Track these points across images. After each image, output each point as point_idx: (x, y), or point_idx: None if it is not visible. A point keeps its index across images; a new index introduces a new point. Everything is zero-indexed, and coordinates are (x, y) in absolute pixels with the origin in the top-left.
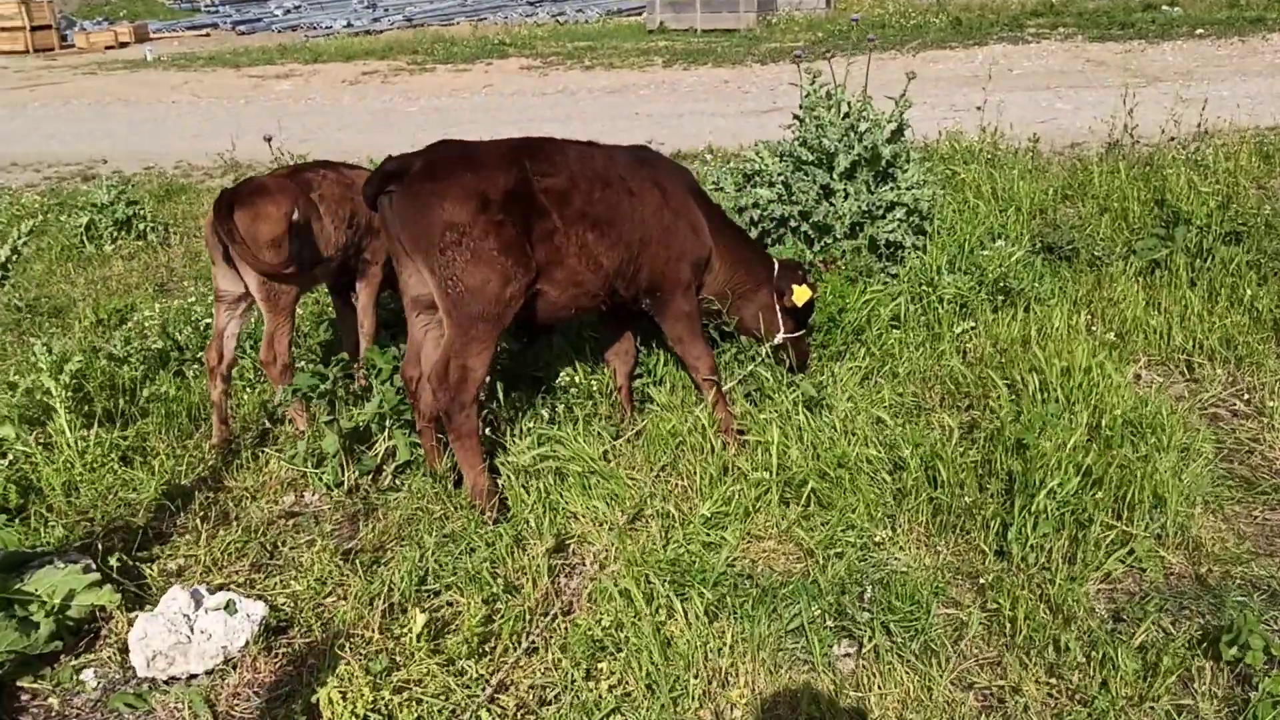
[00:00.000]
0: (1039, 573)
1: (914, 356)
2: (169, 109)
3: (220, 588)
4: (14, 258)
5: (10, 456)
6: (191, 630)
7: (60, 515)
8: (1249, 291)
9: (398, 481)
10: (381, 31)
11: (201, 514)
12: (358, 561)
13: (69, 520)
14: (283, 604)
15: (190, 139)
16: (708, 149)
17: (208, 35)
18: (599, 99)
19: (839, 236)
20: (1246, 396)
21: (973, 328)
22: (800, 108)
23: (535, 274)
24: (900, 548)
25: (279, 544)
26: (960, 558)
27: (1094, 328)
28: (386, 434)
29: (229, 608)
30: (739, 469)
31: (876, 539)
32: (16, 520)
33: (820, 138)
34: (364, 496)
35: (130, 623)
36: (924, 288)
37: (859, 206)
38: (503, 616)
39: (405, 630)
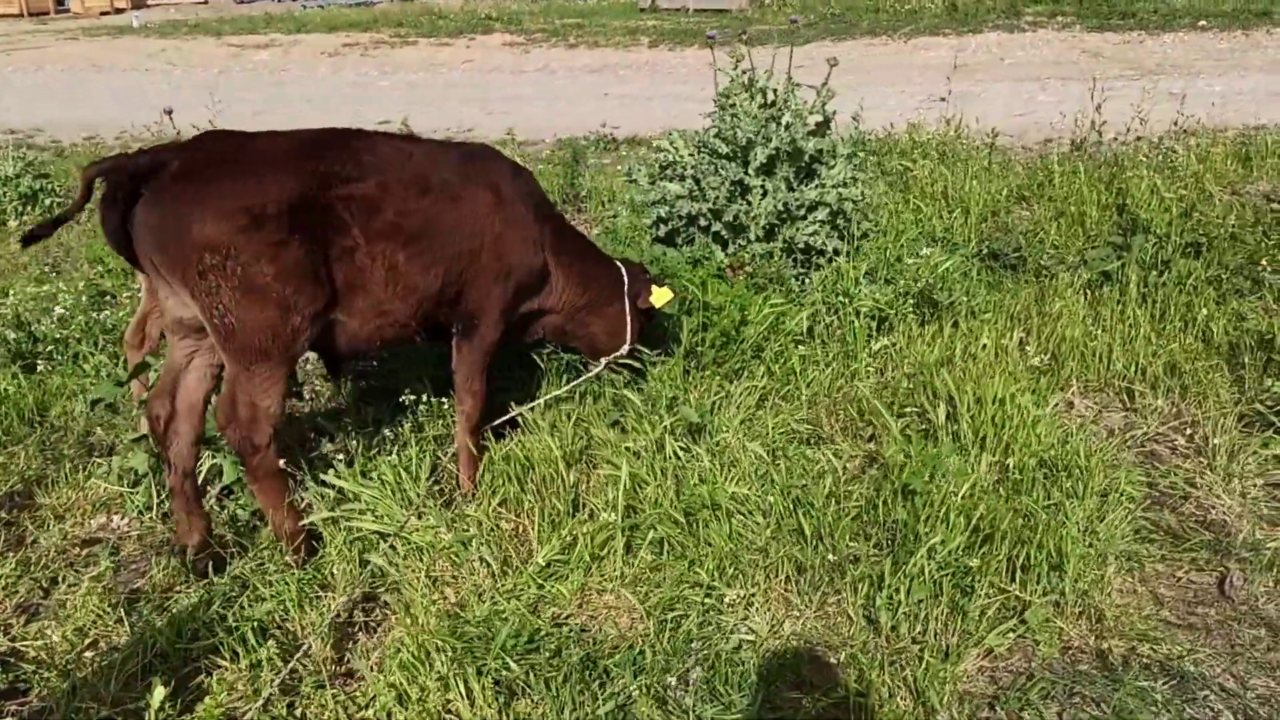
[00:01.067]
0: (911, 646)
1: (820, 377)
2: (142, 77)
3: None
4: None
5: None
6: None
7: None
8: (1204, 311)
9: (220, 505)
10: (375, 3)
11: None
12: (123, 609)
13: None
14: (34, 658)
15: (150, 109)
16: (665, 135)
17: (205, 3)
18: (577, 78)
19: (754, 238)
20: (1189, 432)
21: (891, 345)
22: (717, 95)
23: (328, 302)
24: (756, 610)
25: (59, 579)
26: (826, 624)
27: (1027, 347)
28: (209, 453)
29: None
30: (591, 507)
31: (728, 599)
32: None
33: (735, 128)
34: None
35: None
36: (840, 298)
37: (775, 206)
38: (264, 687)
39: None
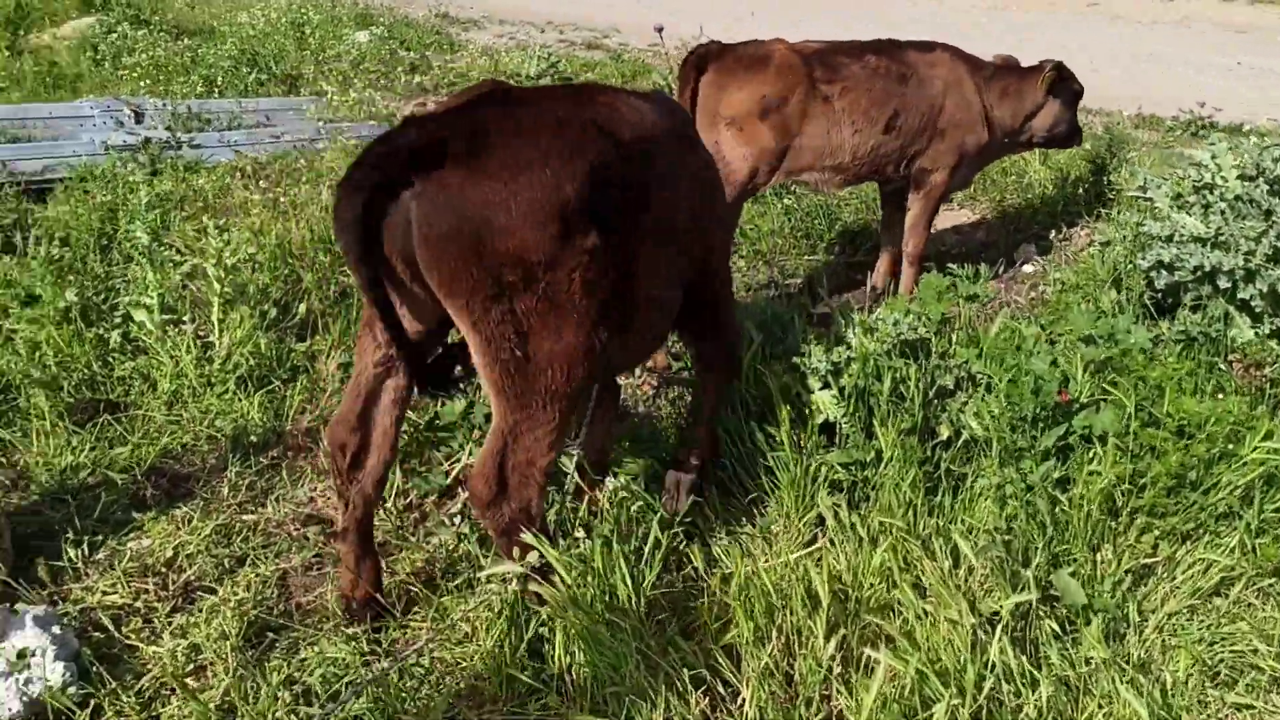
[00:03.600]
0: None
1: None
2: None
3: None
4: None
5: None
6: None
7: None
8: None
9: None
10: None
11: None
12: (244, 638)
13: None
14: (138, 667)
15: None
16: (1205, 139)
17: None
18: (1221, 37)
19: None
20: None
21: None
22: None
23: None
24: None
25: (246, 560)
26: None
27: None
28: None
29: None
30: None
31: None
32: None
33: None
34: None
35: None
36: None
37: None
38: None
39: None
